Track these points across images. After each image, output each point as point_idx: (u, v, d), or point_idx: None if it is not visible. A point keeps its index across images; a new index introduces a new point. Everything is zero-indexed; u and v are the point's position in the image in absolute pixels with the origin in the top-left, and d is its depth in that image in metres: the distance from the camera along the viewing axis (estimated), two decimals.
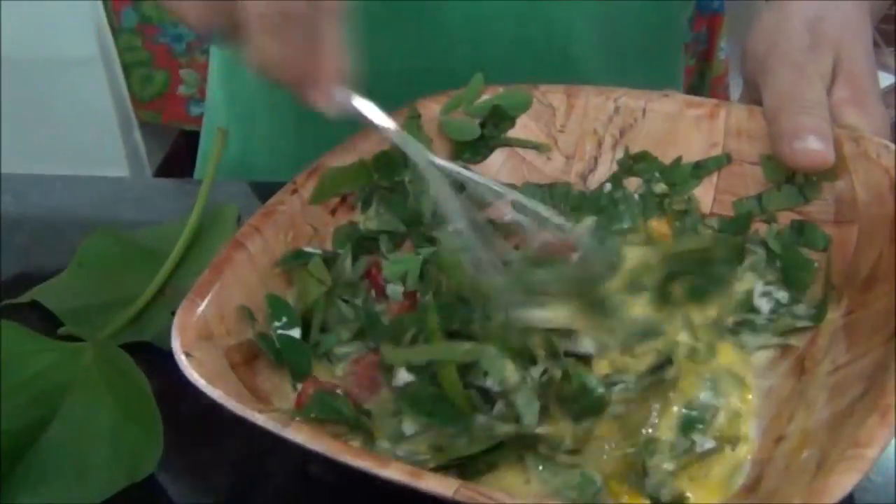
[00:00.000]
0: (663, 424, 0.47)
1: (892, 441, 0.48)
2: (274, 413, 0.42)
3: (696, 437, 0.46)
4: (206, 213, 0.62)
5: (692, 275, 0.53)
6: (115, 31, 1.92)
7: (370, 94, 0.51)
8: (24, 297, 0.61)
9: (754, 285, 0.53)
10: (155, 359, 0.50)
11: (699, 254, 0.53)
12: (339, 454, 0.40)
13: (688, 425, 0.46)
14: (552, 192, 0.60)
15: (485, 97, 0.61)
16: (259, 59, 0.45)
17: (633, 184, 0.59)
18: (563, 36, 0.71)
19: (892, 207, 0.50)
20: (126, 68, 1.97)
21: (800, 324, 0.51)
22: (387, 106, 0.58)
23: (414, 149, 0.53)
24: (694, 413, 0.47)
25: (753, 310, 0.52)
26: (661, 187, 0.58)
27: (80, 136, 1.92)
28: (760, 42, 0.58)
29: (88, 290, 0.61)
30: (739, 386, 0.49)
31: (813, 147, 0.51)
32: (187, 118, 1.99)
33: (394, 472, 0.39)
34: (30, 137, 1.85)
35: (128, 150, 2.01)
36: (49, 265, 0.64)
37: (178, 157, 0.83)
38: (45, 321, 0.59)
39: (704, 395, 0.48)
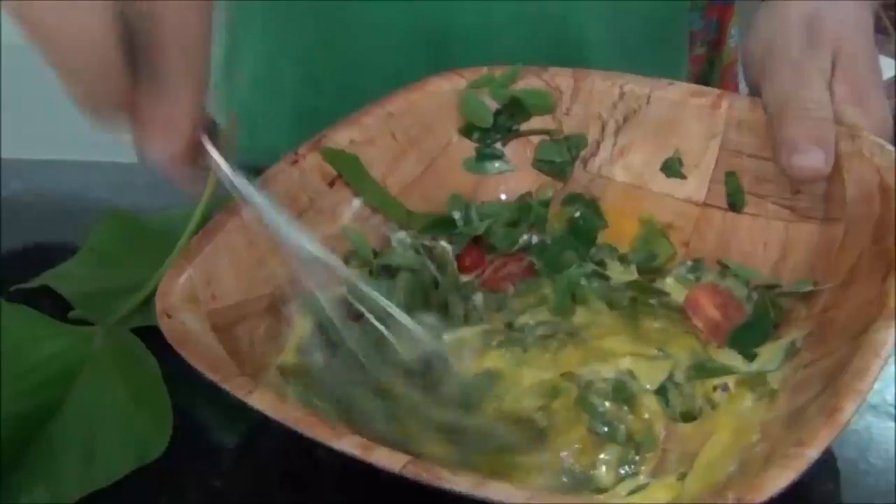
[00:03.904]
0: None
1: (893, 433, 0.49)
2: (240, 379, 0.43)
3: None
4: (214, 199, 0.62)
5: None
6: None
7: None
8: (35, 282, 0.61)
9: None
10: (164, 343, 0.49)
11: None
12: (297, 424, 0.41)
13: None
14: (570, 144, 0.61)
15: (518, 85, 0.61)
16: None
17: None
18: (576, 36, 0.71)
19: (878, 207, 0.49)
20: None
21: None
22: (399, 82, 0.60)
23: (270, 213, 0.50)
24: None
25: None
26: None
27: (88, 122, 1.93)
28: (758, 43, 0.57)
29: (99, 275, 0.62)
30: None
31: (809, 162, 0.51)
32: None
33: (346, 445, 0.40)
34: (38, 123, 1.79)
35: None
36: (58, 250, 0.65)
37: None
38: (56, 306, 0.59)
39: None
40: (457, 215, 0.60)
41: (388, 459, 0.39)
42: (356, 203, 0.59)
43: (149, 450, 0.49)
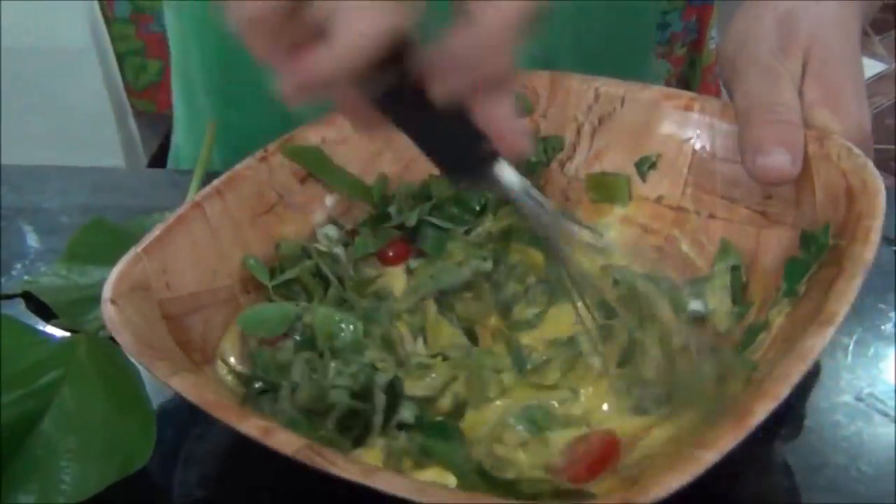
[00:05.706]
0: None
1: (893, 436, 0.48)
2: (162, 362, 0.44)
3: None
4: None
5: None
6: (109, 21, 1.92)
7: None
8: (16, 289, 0.61)
9: None
10: None
11: None
12: (205, 405, 0.41)
13: None
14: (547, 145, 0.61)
15: None
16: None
17: None
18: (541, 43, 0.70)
19: (843, 212, 0.47)
20: (120, 58, 1.97)
21: None
22: None
23: None
24: None
25: None
26: None
27: (76, 125, 1.92)
28: (730, 43, 0.56)
29: (81, 282, 0.61)
30: None
31: (775, 164, 0.49)
32: None
33: (246, 428, 0.40)
34: (25, 127, 1.84)
35: (123, 139, 2.01)
36: (44, 257, 0.66)
37: None
38: (38, 313, 0.59)
39: None
40: (392, 209, 0.59)
41: (283, 443, 0.39)
42: (329, 200, 0.59)
43: (133, 460, 0.48)
